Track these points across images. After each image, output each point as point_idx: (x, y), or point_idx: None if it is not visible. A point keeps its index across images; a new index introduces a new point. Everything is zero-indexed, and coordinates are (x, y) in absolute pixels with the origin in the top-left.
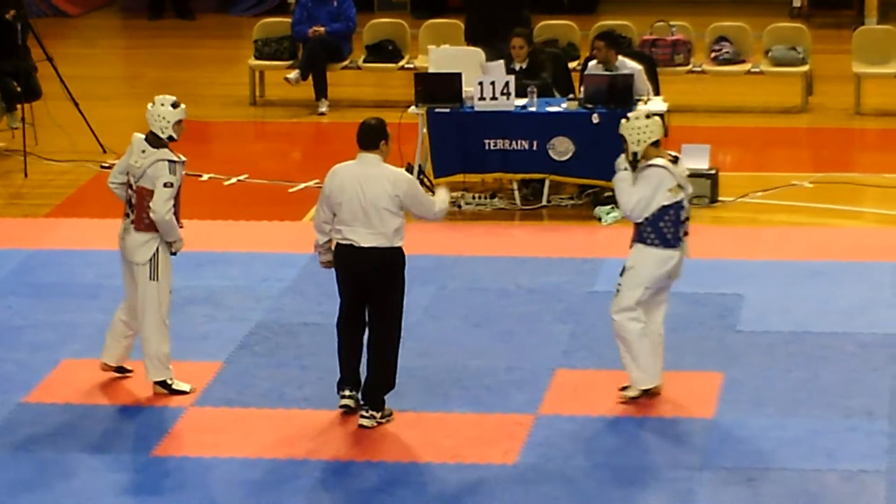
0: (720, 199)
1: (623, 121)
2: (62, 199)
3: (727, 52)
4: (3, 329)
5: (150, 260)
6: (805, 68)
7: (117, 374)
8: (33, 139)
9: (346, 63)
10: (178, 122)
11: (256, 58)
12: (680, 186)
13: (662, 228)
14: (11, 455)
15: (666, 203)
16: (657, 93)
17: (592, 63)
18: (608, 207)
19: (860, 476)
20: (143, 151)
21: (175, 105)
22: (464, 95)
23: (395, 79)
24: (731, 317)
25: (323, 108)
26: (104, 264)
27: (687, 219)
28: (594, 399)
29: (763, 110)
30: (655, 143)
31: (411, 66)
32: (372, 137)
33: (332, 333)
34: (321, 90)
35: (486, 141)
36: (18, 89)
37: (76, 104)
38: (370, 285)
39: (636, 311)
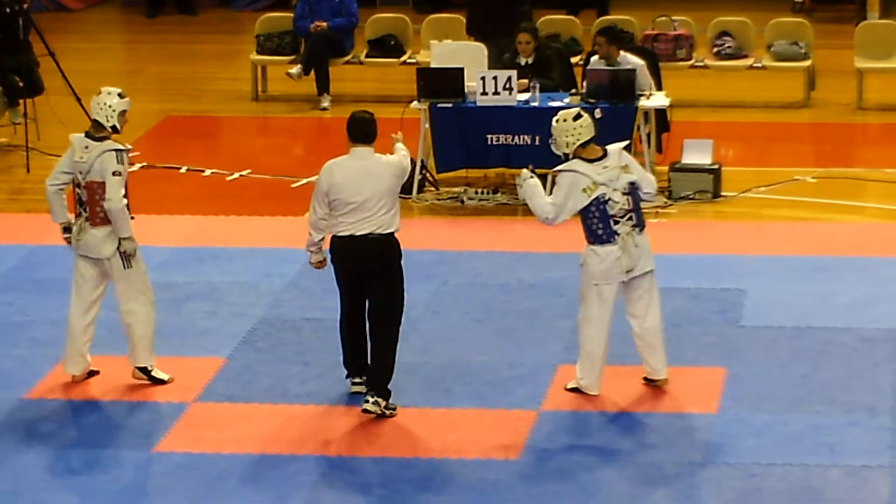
0: (723, 194)
1: (553, 121)
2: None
3: (729, 47)
4: (4, 325)
5: (117, 250)
6: (807, 63)
7: (93, 377)
8: (35, 134)
9: (348, 58)
10: (123, 113)
11: (258, 53)
12: (596, 184)
13: (592, 227)
14: (13, 451)
15: (583, 204)
16: (659, 88)
17: (595, 58)
18: None
19: (863, 471)
20: (86, 147)
21: (121, 95)
22: (466, 90)
23: (398, 74)
24: (733, 312)
25: (325, 104)
26: None
27: (631, 211)
28: (597, 394)
29: (765, 105)
30: (585, 144)
31: (413, 61)
32: (369, 130)
33: (334, 328)
34: (323, 85)
35: (489, 136)
36: (21, 84)
37: (78, 99)
38: (370, 274)
39: (586, 307)
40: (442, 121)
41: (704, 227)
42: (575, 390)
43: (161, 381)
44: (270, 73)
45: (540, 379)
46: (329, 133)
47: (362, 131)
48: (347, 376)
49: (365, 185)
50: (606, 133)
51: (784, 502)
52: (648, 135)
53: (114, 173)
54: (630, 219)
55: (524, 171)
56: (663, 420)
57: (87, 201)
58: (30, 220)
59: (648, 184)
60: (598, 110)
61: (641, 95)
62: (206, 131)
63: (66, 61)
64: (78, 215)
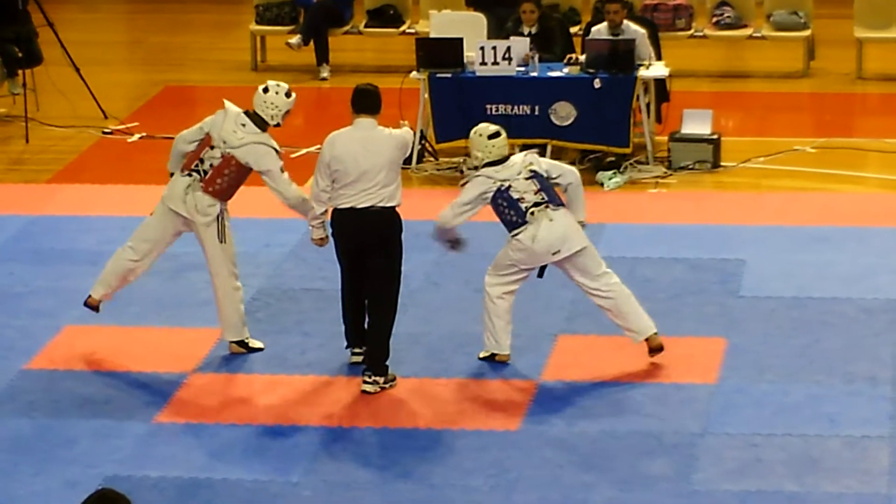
0: (722, 164)
1: (473, 133)
2: (63, 164)
3: (729, 17)
4: (4, 295)
5: (217, 220)
6: (807, 33)
7: (94, 312)
8: (34, 105)
9: (347, 28)
10: (287, 112)
11: (258, 23)
12: (496, 180)
13: (505, 216)
14: (14, 421)
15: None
16: (659, 58)
17: (596, 28)
18: (610, 173)
19: (863, 441)
20: (244, 125)
21: (288, 94)
22: (465, 60)
23: (397, 44)
24: (733, 282)
25: (324, 74)
26: (105, 230)
27: (539, 191)
28: (597, 365)
29: (765, 75)
30: (493, 163)
31: (413, 31)
32: (374, 102)
33: (334, 298)
34: (322, 55)
35: (488, 106)
36: (20, 55)
37: (77, 70)
38: (369, 247)
39: (493, 282)
40: (441, 91)
41: (704, 197)
42: (490, 357)
43: (259, 350)
44: (270, 43)
45: (540, 349)
46: (328, 103)
47: (366, 103)
48: (347, 346)
49: (366, 156)
50: (606, 103)
51: (784, 472)
52: (648, 105)
53: (281, 170)
54: (539, 195)
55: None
56: (663, 390)
57: (215, 167)
58: (29, 190)
59: (560, 173)
60: (597, 80)
61: (641, 65)
62: (206, 101)
63: (64, 32)
64: (190, 173)
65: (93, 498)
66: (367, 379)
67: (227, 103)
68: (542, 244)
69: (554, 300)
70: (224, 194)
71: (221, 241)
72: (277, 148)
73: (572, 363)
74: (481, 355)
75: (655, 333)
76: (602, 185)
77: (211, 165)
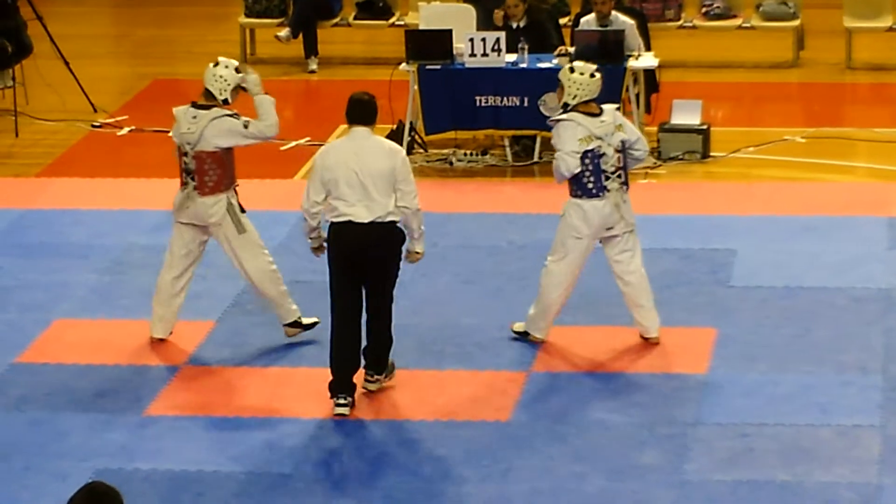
0: (712, 154)
1: (567, 70)
2: (53, 158)
3: (718, 7)
4: None
5: (228, 213)
6: (796, 23)
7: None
8: (24, 99)
9: (336, 20)
10: (237, 88)
11: (247, 15)
12: (593, 136)
13: (582, 179)
14: (4, 415)
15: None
16: (648, 48)
17: (585, 18)
18: None
19: (854, 431)
20: (194, 118)
21: (238, 70)
22: (454, 52)
23: (386, 36)
24: (723, 272)
25: (313, 66)
26: (96, 224)
27: (619, 168)
28: (587, 356)
29: (754, 65)
30: (587, 101)
31: (402, 23)
32: (369, 112)
33: (323, 291)
34: (311, 48)
35: (477, 97)
36: (10, 49)
37: (66, 63)
38: (369, 262)
39: (558, 255)
40: (430, 83)
41: (694, 187)
42: (524, 334)
43: (315, 324)
44: (259, 35)
45: (530, 340)
46: (317, 96)
47: (359, 112)
48: (333, 394)
49: (358, 166)
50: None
51: (775, 462)
52: (637, 95)
53: (245, 125)
54: (619, 176)
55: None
56: (654, 380)
57: (196, 170)
58: (18, 184)
59: (642, 143)
60: None
61: (630, 56)
62: (195, 95)
63: (53, 25)
64: (184, 185)
65: (83, 491)
66: (370, 378)
67: (175, 109)
68: (606, 221)
69: None
70: (221, 186)
71: (241, 232)
72: (230, 112)
73: (563, 354)
74: (516, 327)
75: (656, 338)
76: None
77: (193, 169)
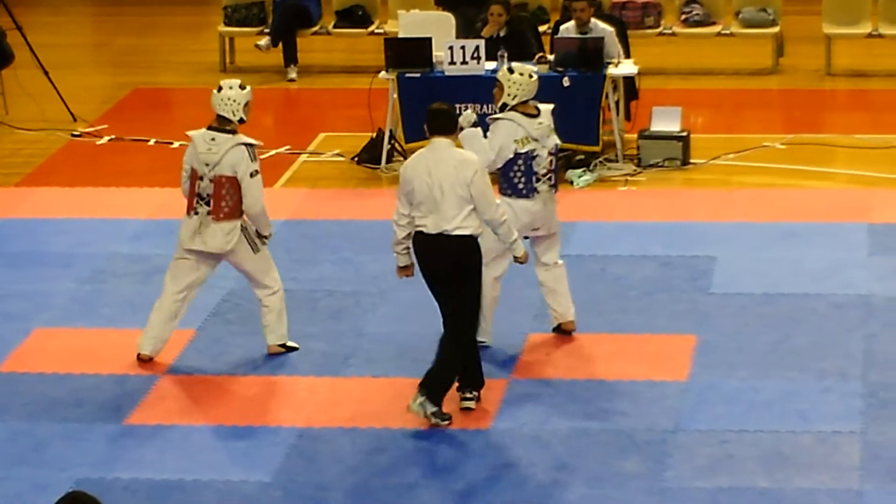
0: (692, 161)
1: (506, 70)
2: (33, 167)
3: (697, 14)
4: None
5: (242, 236)
6: (776, 30)
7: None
8: (3, 108)
9: (316, 29)
10: (247, 104)
11: (226, 24)
12: (529, 139)
13: (513, 180)
14: None
15: (512, 155)
16: (628, 55)
17: (564, 26)
18: (580, 171)
19: (834, 437)
20: (213, 139)
21: (242, 87)
22: (434, 60)
23: (366, 44)
24: (703, 279)
25: (292, 75)
26: (76, 233)
27: (550, 171)
28: (567, 363)
29: (734, 72)
30: (525, 101)
31: (381, 31)
32: (446, 122)
33: (303, 300)
34: (291, 56)
35: (458, 105)
36: None
37: (46, 72)
38: (437, 274)
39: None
40: (410, 91)
41: (674, 194)
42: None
43: (296, 349)
44: (238, 44)
45: (510, 348)
46: (297, 104)
47: (437, 123)
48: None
49: (432, 178)
50: (575, 101)
51: (756, 469)
52: (617, 102)
53: (252, 174)
54: (549, 178)
55: (468, 112)
56: (634, 387)
57: (213, 195)
58: None
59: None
60: (566, 78)
61: (610, 63)
62: (174, 103)
63: (32, 35)
64: (194, 211)
65: (65, 500)
66: (469, 396)
67: (191, 133)
68: (533, 222)
69: (523, 299)
70: (235, 212)
71: (256, 251)
72: (251, 142)
73: (543, 361)
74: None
75: (572, 321)
76: (572, 182)
77: (208, 195)
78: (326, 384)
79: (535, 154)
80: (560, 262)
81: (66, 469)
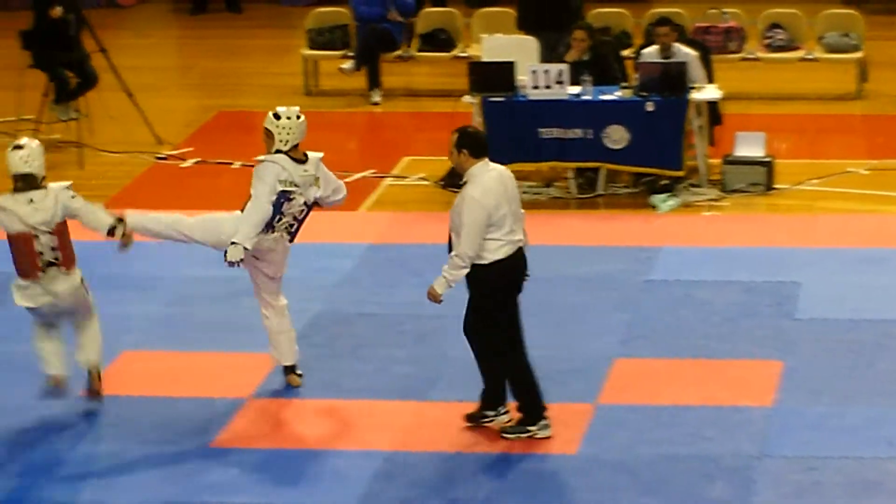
0: (776, 186)
1: (272, 117)
2: (117, 190)
3: (780, 39)
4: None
5: None
6: (859, 55)
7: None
8: (88, 131)
9: (399, 52)
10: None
11: (310, 47)
12: (293, 183)
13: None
14: (71, 448)
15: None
16: (710, 80)
17: (646, 51)
18: (664, 196)
19: None
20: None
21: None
22: (517, 84)
23: (449, 68)
24: (788, 305)
25: (376, 98)
26: (159, 256)
27: (297, 221)
28: (653, 388)
29: (817, 97)
30: (296, 146)
31: (465, 54)
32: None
33: (388, 324)
34: (374, 80)
35: (541, 129)
36: (75, 81)
37: (130, 95)
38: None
39: None
40: (494, 115)
41: (758, 219)
42: None
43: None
44: (322, 67)
45: (596, 373)
46: (380, 127)
47: (484, 144)
48: (543, 415)
49: (508, 192)
50: (659, 125)
51: (842, 496)
52: (700, 127)
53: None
54: (291, 225)
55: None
56: (720, 413)
57: (301, 219)
58: None
59: (341, 189)
60: (649, 103)
61: (693, 88)
62: (259, 127)
63: (117, 57)
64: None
65: None
66: (490, 414)
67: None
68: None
69: (609, 324)
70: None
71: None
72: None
73: (629, 386)
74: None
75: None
76: (656, 207)
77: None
78: (411, 408)
79: (291, 197)
80: (285, 301)
81: (152, 490)
